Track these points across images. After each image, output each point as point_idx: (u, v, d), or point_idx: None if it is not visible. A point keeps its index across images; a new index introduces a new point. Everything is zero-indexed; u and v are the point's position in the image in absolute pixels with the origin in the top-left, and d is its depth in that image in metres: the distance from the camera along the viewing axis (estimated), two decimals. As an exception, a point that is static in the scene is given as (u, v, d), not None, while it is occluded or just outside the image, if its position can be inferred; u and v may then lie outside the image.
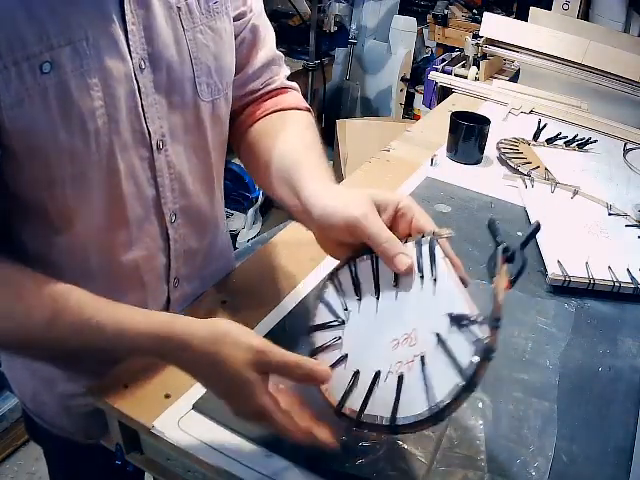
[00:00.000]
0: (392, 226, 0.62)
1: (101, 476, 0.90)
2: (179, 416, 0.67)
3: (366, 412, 0.59)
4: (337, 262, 0.68)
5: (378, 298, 0.63)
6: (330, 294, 0.67)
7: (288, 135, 0.79)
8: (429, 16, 3.09)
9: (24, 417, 0.93)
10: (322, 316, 0.67)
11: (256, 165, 0.82)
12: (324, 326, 0.66)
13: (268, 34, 0.86)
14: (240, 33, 0.81)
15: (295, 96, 0.88)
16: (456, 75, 1.74)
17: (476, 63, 1.74)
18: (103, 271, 0.73)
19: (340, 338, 0.64)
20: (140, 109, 0.68)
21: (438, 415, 0.53)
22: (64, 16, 0.58)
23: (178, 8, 0.70)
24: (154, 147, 0.71)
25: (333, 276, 0.67)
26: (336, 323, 0.65)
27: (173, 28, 0.69)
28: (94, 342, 0.61)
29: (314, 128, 0.83)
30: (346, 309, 0.65)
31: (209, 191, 0.83)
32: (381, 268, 0.63)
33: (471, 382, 0.52)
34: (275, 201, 0.90)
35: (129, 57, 0.65)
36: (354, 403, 0.60)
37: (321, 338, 0.65)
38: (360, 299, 0.64)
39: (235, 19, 0.79)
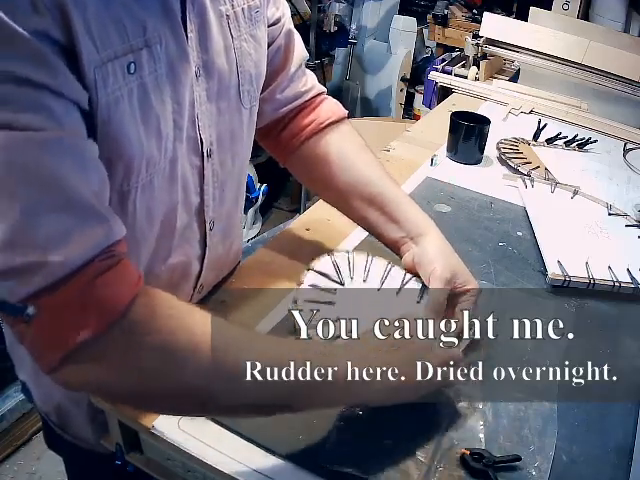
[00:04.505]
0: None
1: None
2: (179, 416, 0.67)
3: None
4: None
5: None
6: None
7: (366, 162, 0.88)
8: (429, 16, 3.07)
9: (44, 428, 0.91)
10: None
11: (327, 183, 0.87)
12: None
13: (298, 36, 0.86)
14: (276, 39, 0.82)
15: (333, 103, 0.92)
16: (456, 75, 1.74)
17: (476, 63, 1.74)
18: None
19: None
20: (195, 117, 0.68)
21: None
22: (140, 19, 0.58)
23: (227, 16, 0.70)
24: (205, 155, 0.71)
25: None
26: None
27: (223, 36, 0.70)
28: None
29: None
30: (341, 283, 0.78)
31: (238, 198, 0.84)
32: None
33: None
34: (276, 201, 0.93)
35: (192, 65, 0.65)
36: None
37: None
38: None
39: (271, 25, 0.80)
